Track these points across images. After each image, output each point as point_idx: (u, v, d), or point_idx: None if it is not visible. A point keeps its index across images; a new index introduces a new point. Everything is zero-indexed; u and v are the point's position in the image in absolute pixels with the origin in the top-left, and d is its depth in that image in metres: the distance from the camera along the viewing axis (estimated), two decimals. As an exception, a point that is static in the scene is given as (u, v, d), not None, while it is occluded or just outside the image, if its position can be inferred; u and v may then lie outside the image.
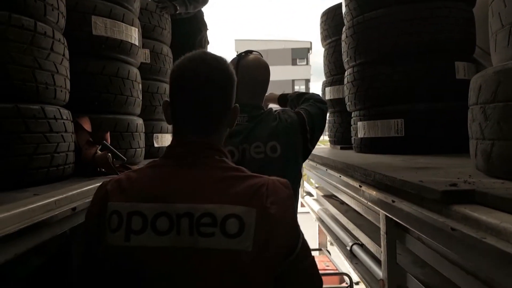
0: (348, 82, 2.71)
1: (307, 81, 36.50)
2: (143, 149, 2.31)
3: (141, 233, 0.84)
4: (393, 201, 1.19)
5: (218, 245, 0.81)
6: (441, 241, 0.98)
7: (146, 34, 2.72)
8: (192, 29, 3.46)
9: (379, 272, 1.75)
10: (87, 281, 0.92)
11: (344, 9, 2.80)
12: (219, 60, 0.99)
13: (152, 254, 0.83)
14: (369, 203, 1.56)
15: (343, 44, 2.78)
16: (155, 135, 2.80)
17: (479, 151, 1.15)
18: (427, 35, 2.29)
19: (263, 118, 1.50)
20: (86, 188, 1.30)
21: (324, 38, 3.64)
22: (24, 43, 1.30)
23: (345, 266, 4.16)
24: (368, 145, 2.51)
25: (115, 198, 0.88)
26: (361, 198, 1.74)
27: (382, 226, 1.58)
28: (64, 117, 1.49)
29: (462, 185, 0.98)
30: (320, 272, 0.98)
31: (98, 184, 1.31)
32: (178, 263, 0.83)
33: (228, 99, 0.99)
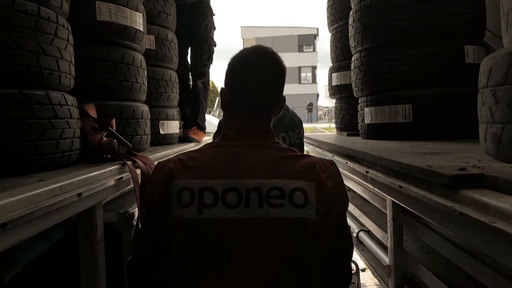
0: (355, 67, 2.67)
1: (314, 68, 36.22)
2: (149, 136, 2.31)
3: (212, 206, 0.95)
4: (400, 187, 1.18)
5: (288, 214, 0.95)
6: (449, 227, 0.97)
7: (151, 20, 2.69)
8: (197, 15, 3.43)
9: (386, 259, 1.75)
10: (154, 252, 1.02)
11: (351, -7, 2.75)
12: (275, 54, 1.14)
13: (223, 225, 0.95)
14: (375, 189, 1.55)
15: (350, 28, 2.73)
16: (161, 122, 2.79)
17: (489, 135, 1.13)
18: (436, 18, 2.24)
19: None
20: (92, 174, 1.30)
21: (331, 23, 3.59)
22: (28, 28, 1.29)
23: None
24: (375, 131, 2.48)
25: (182, 176, 0.99)
26: (367, 184, 1.73)
27: (388, 212, 1.57)
28: (69, 103, 1.48)
29: (471, 169, 0.96)
30: None
31: (103, 171, 1.31)
32: (250, 232, 0.95)
33: (281, 89, 1.13)
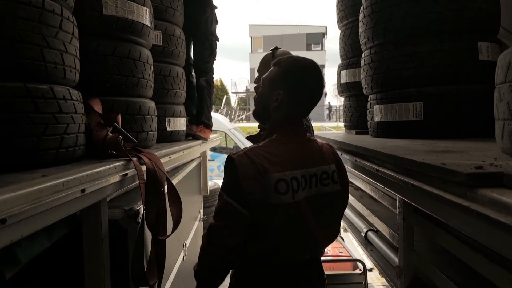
0: (365, 64, 2.62)
1: (322, 67, 36.06)
2: (155, 132, 2.28)
3: (298, 191, 1.31)
4: (413, 185, 1.14)
5: (331, 189, 1.38)
6: (464, 227, 0.93)
7: (158, 16, 2.67)
8: (197, 11, 3.37)
9: (395, 259, 1.70)
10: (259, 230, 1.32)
11: (361, -12, 2.70)
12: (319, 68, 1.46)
13: (303, 202, 1.31)
14: (386, 188, 1.51)
15: (360, 24, 2.68)
16: (167, 118, 2.77)
17: (506, 132, 1.08)
18: (449, 14, 2.19)
19: None
20: (96, 170, 1.27)
21: (341, 19, 3.53)
22: (32, 20, 1.27)
23: (358, 252, 4.13)
24: (385, 129, 2.43)
25: (274, 170, 1.29)
26: (377, 183, 1.69)
27: (399, 211, 1.53)
28: (74, 98, 1.46)
29: (489, 168, 0.91)
30: (334, 258, 1.44)
31: (108, 167, 1.29)
32: (313, 203, 1.34)
33: None
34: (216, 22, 3.59)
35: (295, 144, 1.37)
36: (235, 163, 1.29)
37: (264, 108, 1.46)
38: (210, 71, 3.59)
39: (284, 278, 1.39)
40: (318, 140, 1.51)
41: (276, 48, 2.20)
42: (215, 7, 3.59)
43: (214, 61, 3.66)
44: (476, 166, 0.91)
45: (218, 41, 3.59)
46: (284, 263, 1.38)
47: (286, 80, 1.39)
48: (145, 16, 2.10)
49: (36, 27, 1.28)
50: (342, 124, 3.82)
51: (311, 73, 1.41)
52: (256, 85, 2.19)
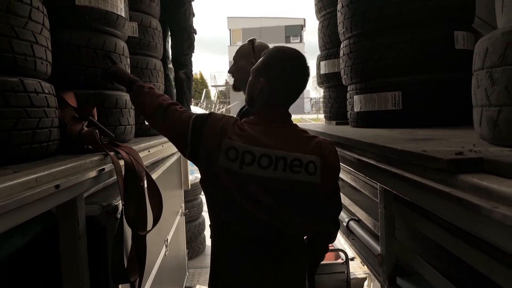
0: (344, 54, 2.63)
1: (301, 59, 36.12)
2: (133, 126, 2.23)
3: (250, 165, 1.35)
4: (393, 173, 1.14)
5: (303, 178, 1.37)
6: (446, 213, 0.93)
7: (134, 7, 2.60)
8: (175, 2, 3.31)
9: (377, 247, 1.72)
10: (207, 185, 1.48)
11: (339, -21, 2.69)
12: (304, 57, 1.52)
13: (255, 179, 1.35)
14: (367, 177, 1.51)
15: (338, 15, 2.68)
16: (145, 112, 2.71)
17: (485, 118, 1.09)
18: (426, 4, 2.21)
19: None
20: (70, 165, 1.23)
21: (319, 10, 3.53)
22: (-1, 10, 1.21)
23: (340, 242, 4.17)
24: (365, 119, 2.45)
25: (233, 138, 1.38)
26: (358, 173, 1.69)
27: (380, 200, 1.54)
28: (46, 91, 1.40)
29: (469, 154, 0.92)
30: None
31: (84, 162, 1.25)
32: (275, 187, 1.36)
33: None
34: (193, 14, 3.53)
35: (268, 127, 1.44)
36: (211, 115, 1.48)
37: (250, 96, 1.56)
38: (189, 63, 3.54)
39: (248, 255, 1.45)
40: (313, 133, 1.56)
41: (254, 40, 2.19)
42: (193, 0, 3.54)
43: (193, 54, 3.61)
44: (456, 152, 0.92)
45: (195, 33, 3.54)
46: (240, 235, 1.44)
47: (268, 68, 1.49)
48: (120, 6, 2.04)
49: (4, 16, 1.22)
50: (322, 116, 3.83)
51: (293, 62, 1.48)
52: (231, 74, 2.22)
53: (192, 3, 3.54)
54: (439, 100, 2.17)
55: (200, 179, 1.51)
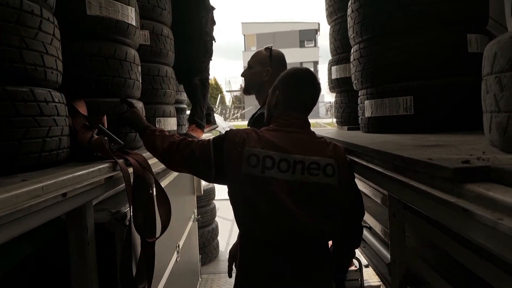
0: (354, 59, 2.60)
1: (315, 63, 36.05)
2: (144, 133, 2.25)
3: (271, 169, 1.45)
4: (401, 181, 1.12)
5: (322, 180, 1.47)
6: (452, 223, 0.91)
7: (145, 15, 2.64)
8: (192, 10, 3.34)
9: (387, 255, 1.69)
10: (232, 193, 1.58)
11: (349, -17, 2.67)
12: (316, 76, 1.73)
13: (277, 182, 1.45)
14: (376, 184, 1.49)
15: (348, 19, 2.66)
16: (157, 119, 2.74)
17: (494, 125, 1.06)
18: (437, 7, 2.17)
19: None
20: (78, 173, 1.24)
21: (330, 14, 3.51)
22: (10, 22, 1.24)
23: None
24: (376, 125, 2.42)
25: (253, 145, 1.49)
26: (367, 180, 1.67)
27: (389, 207, 1.51)
28: (56, 100, 1.43)
29: (476, 162, 0.90)
30: None
31: (92, 170, 1.27)
32: (295, 189, 1.45)
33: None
34: (214, 23, 3.56)
35: (284, 133, 1.55)
36: (227, 131, 1.60)
37: (269, 111, 1.74)
38: (205, 71, 3.57)
39: (268, 257, 1.51)
40: (327, 138, 1.67)
41: (271, 47, 2.28)
42: (213, 8, 3.57)
43: (210, 61, 3.63)
44: (463, 160, 0.90)
45: (214, 41, 3.56)
46: (264, 241, 1.51)
47: (283, 82, 1.70)
48: (131, 15, 2.07)
49: (14, 28, 1.25)
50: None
51: (304, 77, 1.69)
52: (243, 77, 2.36)
53: (214, 11, 3.57)
54: (451, 104, 2.13)
55: (228, 192, 1.61)
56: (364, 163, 1.44)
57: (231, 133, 1.58)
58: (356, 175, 1.66)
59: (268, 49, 2.27)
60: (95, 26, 1.89)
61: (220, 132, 9.79)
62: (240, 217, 1.60)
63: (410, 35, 2.23)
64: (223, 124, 10.56)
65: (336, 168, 1.49)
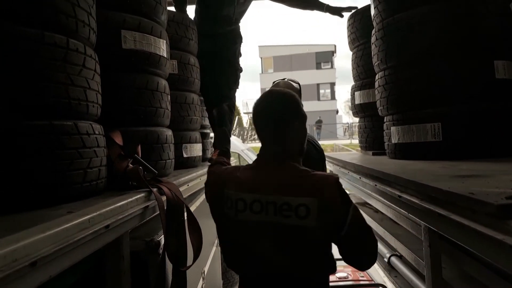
0: (379, 85, 2.62)
1: (332, 85, 36.15)
2: (173, 160, 2.30)
3: (243, 212, 1.40)
4: (440, 214, 1.12)
5: (294, 222, 1.32)
6: (496, 258, 0.90)
7: (174, 45, 2.72)
8: (229, 42, 3.47)
9: (422, 287, 1.66)
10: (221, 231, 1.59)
11: (372, 11, 2.72)
12: (290, 98, 1.50)
13: (250, 224, 1.39)
14: (410, 214, 1.48)
15: (373, 47, 2.70)
16: (184, 145, 2.79)
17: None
18: (463, 34, 2.19)
19: None
20: (118, 204, 1.28)
21: (352, 41, 3.56)
22: (57, 60, 1.31)
23: (379, 275, 4.02)
24: (403, 151, 2.41)
25: (229, 187, 1.46)
26: (399, 209, 1.66)
27: (424, 238, 1.49)
28: (96, 132, 1.49)
29: (520, 198, 0.89)
30: (354, 283, 1.45)
31: (130, 200, 1.30)
32: (267, 231, 1.36)
33: (293, 122, 1.47)
34: (240, 54, 3.70)
35: (261, 170, 1.47)
36: (210, 173, 1.69)
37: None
38: (233, 97, 3.68)
39: None
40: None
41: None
42: (242, 41, 3.70)
43: (237, 89, 3.76)
44: (507, 196, 0.89)
45: (241, 71, 3.70)
46: (251, 278, 1.52)
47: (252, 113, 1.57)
48: (162, 47, 2.15)
49: (61, 66, 1.32)
50: (355, 141, 3.80)
51: (262, 101, 1.51)
52: None
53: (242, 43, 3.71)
54: (480, 131, 2.11)
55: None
56: (397, 193, 1.44)
57: (214, 175, 1.64)
58: (387, 202, 1.65)
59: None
60: (130, 59, 1.97)
61: (238, 153, 9.85)
62: (225, 255, 1.62)
63: (435, 62, 2.24)
64: (241, 146, 10.59)
65: (315, 208, 1.28)
